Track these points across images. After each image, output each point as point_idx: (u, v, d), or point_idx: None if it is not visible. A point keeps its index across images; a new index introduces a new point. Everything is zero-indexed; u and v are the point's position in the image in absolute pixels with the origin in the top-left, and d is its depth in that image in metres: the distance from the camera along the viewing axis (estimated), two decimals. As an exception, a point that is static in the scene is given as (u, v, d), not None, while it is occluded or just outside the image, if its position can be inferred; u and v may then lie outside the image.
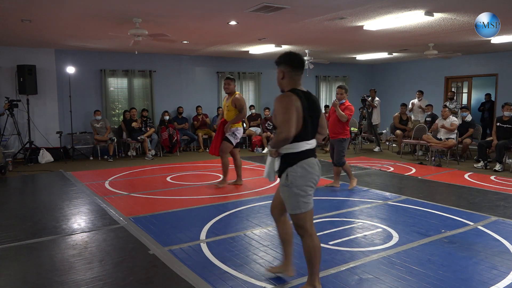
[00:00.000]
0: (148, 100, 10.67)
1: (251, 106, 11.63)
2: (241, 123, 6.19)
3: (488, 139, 8.70)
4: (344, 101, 6.00)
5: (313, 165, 2.73)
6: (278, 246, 3.72)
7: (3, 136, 8.67)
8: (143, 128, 9.64)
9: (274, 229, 4.19)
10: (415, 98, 10.59)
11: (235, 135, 6.07)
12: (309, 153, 2.72)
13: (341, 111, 5.91)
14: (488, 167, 7.82)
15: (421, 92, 10.50)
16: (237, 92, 6.03)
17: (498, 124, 7.99)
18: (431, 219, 4.51)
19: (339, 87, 6.09)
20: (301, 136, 2.66)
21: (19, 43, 8.69)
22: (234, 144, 6.10)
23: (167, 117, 10.00)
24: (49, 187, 6.49)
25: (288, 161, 2.68)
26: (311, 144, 2.74)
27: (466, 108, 9.53)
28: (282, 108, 2.60)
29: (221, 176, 6.53)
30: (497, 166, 7.59)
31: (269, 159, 2.78)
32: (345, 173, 6.31)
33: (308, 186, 2.71)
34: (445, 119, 8.64)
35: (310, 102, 2.72)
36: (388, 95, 13.23)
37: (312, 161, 2.73)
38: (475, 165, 8.01)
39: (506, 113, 7.86)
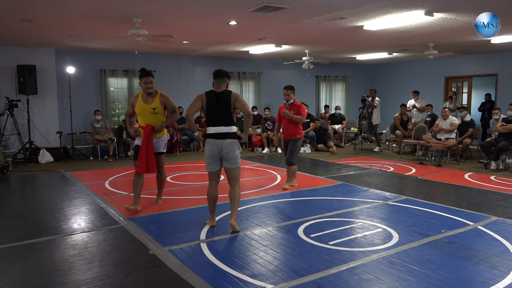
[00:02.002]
0: (148, 100, 10.66)
1: (254, 108, 11.60)
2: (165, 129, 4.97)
3: (488, 139, 8.71)
4: (292, 101, 5.96)
5: (210, 144, 4.04)
6: (278, 246, 3.73)
7: (3, 136, 8.67)
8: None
9: (274, 229, 4.20)
10: (412, 99, 10.56)
11: (165, 144, 5.06)
12: (210, 135, 4.04)
13: (296, 116, 5.84)
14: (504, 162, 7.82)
15: (416, 92, 10.44)
16: (159, 90, 4.96)
17: (502, 124, 8.01)
18: (431, 219, 4.51)
19: (285, 88, 5.98)
20: (207, 123, 4.08)
21: (19, 43, 8.69)
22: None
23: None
24: (49, 187, 6.49)
25: None
26: (213, 129, 4.02)
27: (464, 108, 9.50)
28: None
29: (221, 176, 6.40)
30: (493, 165, 7.64)
31: None
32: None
33: (208, 156, 4.08)
34: (445, 119, 8.64)
35: (218, 99, 4.04)
36: (388, 95, 13.24)
37: (210, 141, 4.04)
38: (492, 168, 7.65)
39: (510, 112, 7.93)
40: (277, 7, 5.50)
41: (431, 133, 8.98)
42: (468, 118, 8.98)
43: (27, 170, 7.96)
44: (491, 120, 8.76)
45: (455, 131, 8.49)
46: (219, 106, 4.02)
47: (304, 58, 9.94)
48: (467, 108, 9.78)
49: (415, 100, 10.38)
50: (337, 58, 12.31)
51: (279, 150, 10.46)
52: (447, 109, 8.82)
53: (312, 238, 3.88)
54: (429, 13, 5.87)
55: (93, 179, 6.88)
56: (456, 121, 8.58)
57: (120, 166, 8.26)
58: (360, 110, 11.42)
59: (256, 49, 9.88)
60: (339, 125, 12.14)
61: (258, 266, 3.25)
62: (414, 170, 7.72)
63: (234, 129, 4.07)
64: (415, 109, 10.29)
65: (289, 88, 5.97)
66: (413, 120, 10.40)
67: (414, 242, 3.78)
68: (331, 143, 10.53)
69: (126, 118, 5.11)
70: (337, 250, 3.58)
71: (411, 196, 5.57)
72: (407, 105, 10.55)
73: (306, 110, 10.61)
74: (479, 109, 12.09)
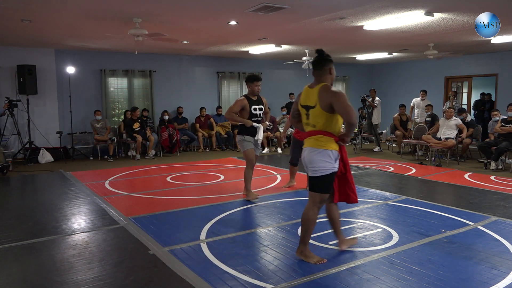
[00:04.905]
0: (148, 100, 10.67)
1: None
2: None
3: (487, 140, 8.70)
4: None
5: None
6: (278, 246, 3.72)
7: (3, 136, 8.66)
8: (143, 130, 9.62)
9: (274, 229, 4.20)
10: (418, 97, 10.51)
11: None
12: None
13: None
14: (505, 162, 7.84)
15: (425, 92, 10.38)
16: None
17: (501, 124, 8.01)
18: (431, 219, 4.50)
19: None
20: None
21: (19, 43, 8.69)
22: None
23: (166, 117, 9.99)
24: (49, 187, 6.49)
25: None
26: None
27: (464, 110, 9.39)
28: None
29: (221, 176, 6.34)
30: (493, 165, 7.66)
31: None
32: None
33: None
34: (447, 119, 8.62)
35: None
36: (388, 95, 13.23)
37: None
38: (492, 168, 7.67)
39: (509, 113, 7.93)
40: (277, 7, 5.50)
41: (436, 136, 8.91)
42: (468, 118, 8.98)
43: (27, 170, 7.96)
44: (490, 122, 8.73)
45: (455, 131, 8.48)
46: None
47: (304, 58, 9.93)
48: (465, 110, 9.67)
49: (421, 100, 10.33)
50: (337, 58, 12.29)
51: (279, 150, 10.43)
52: (452, 109, 8.79)
53: (312, 238, 3.86)
54: (429, 13, 5.87)
55: (93, 179, 6.88)
56: (460, 122, 8.58)
57: (120, 166, 8.26)
58: (360, 110, 11.42)
59: (256, 49, 9.88)
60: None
61: (258, 266, 3.25)
62: (414, 170, 7.72)
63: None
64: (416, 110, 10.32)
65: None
66: (418, 120, 10.34)
67: (414, 242, 3.78)
68: None
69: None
70: (337, 250, 3.58)
71: (411, 196, 5.57)
72: (411, 103, 10.53)
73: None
74: (480, 109, 12.08)
